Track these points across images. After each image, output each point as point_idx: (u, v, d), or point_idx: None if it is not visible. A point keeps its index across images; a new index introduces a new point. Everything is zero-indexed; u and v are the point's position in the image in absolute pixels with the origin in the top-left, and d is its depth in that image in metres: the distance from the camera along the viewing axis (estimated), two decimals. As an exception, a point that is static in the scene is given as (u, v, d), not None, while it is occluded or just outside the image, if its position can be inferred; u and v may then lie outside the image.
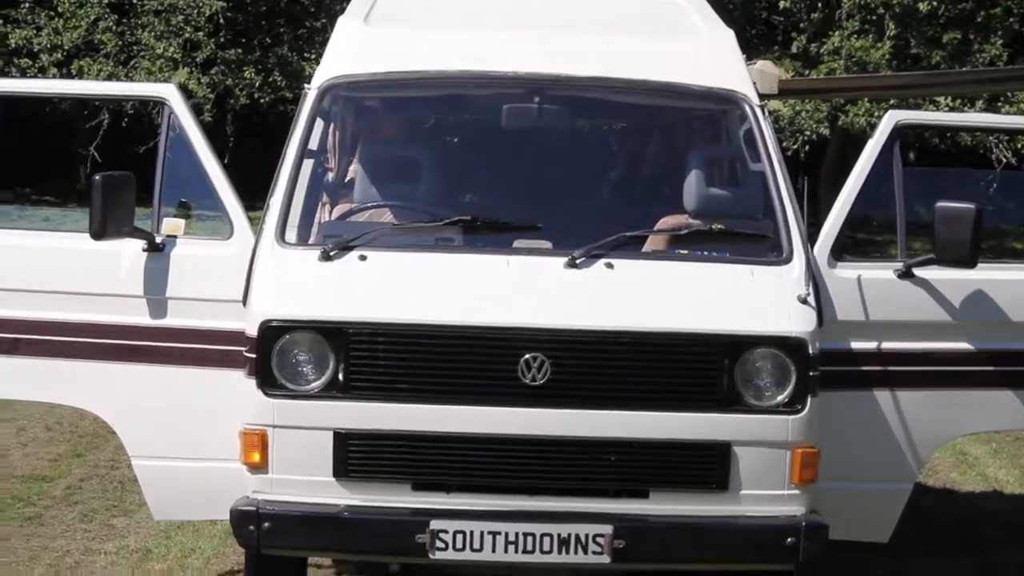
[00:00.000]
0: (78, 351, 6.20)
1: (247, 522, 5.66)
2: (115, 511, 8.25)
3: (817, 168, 22.76)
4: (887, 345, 6.23)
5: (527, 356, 5.55)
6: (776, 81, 7.20)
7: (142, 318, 6.15)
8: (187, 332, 6.13)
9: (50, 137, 24.51)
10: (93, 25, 22.63)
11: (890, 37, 19.96)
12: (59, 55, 22.60)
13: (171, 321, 6.14)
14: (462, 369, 5.62)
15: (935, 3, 19.45)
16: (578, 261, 5.76)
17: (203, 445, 6.08)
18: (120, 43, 22.72)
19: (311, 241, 6.04)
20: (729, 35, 6.84)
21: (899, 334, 6.23)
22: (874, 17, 20.22)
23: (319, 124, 6.50)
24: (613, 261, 5.81)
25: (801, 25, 22.09)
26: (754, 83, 6.68)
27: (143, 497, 6.33)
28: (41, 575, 7.18)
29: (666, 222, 6.28)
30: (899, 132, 6.24)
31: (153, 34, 22.49)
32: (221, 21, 22.83)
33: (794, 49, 21.74)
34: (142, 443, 6.25)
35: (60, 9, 22.79)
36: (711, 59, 6.70)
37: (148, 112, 20.09)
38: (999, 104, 18.47)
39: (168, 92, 6.28)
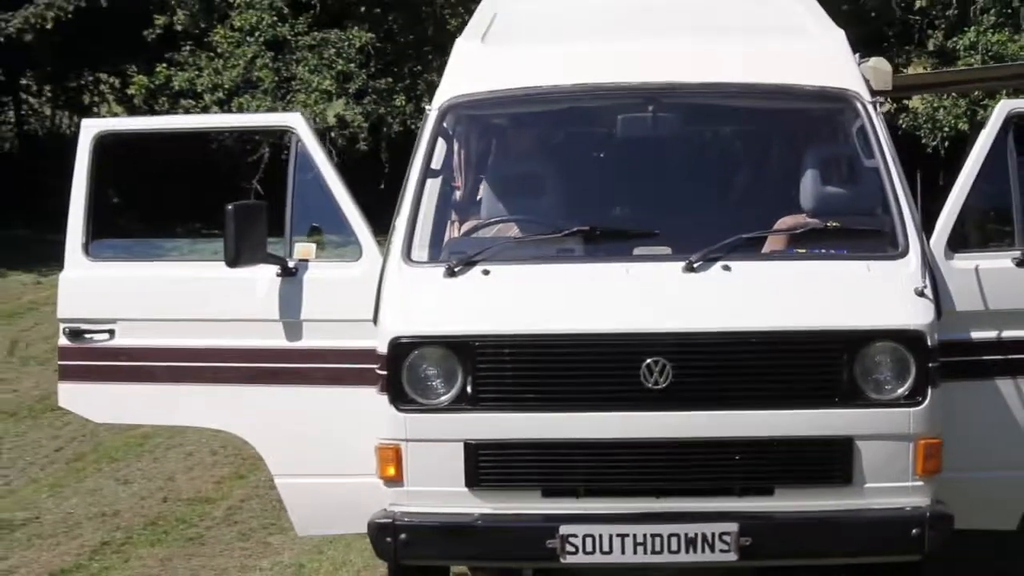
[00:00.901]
0: (219, 375, 6.38)
1: (385, 534, 5.78)
2: (272, 529, 8.43)
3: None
4: (1008, 333, 6.13)
5: (648, 360, 5.59)
6: (890, 77, 7.13)
7: (279, 341, 6.31)
8: (322, 352, 6.25)
9: (218, 173, 25.13)
10: (251, 63, 23.14)
11: None
12: (220, 94, 23.18)
13: (306, 343, 6.28)
14: (586, 376, 5.68)
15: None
16: (695, 265, 5.79)
17: (342, 461, 6.18)
18: (277, 79, 23.23)
19: (437, 258, 6.15)
20: (839, 34, 6.81)
21: (1020, 322, 6.14)
22: (1010, 10, 19.87)
23: (442, 144, 6.57)
24: (731, 263, 5.82)
25: (937, 22, 21.73)
26: (867, 80, 6.65)
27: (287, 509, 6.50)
28: (200, 593, 7.41)
29: (784, 222, 6.29)
30: (1011, 121, 6.17)
31: (307, 68, 22.96)
32: (371, 52, 23.28)
33: (930, 47, 21.42)
34: (283, 462, 6.41)
35: (219, 50, 23.36)
36: (821, 58, 6.68)
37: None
38: None
39: (295, 121, 6.41)
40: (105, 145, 6.50)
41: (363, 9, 23.75)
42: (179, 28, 23.59)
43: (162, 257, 7.28)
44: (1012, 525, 6.33)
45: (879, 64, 7.03)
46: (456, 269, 5.88)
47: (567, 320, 5.72)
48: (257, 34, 23.15)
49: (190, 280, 6.46)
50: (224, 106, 23.23)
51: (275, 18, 23.12)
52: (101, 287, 6.45)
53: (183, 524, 8.65)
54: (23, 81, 27.83)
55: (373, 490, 5.90)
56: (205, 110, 23.11)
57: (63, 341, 6.52)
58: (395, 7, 24.08)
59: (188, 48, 23.77)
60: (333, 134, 22.22)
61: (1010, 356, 6.16)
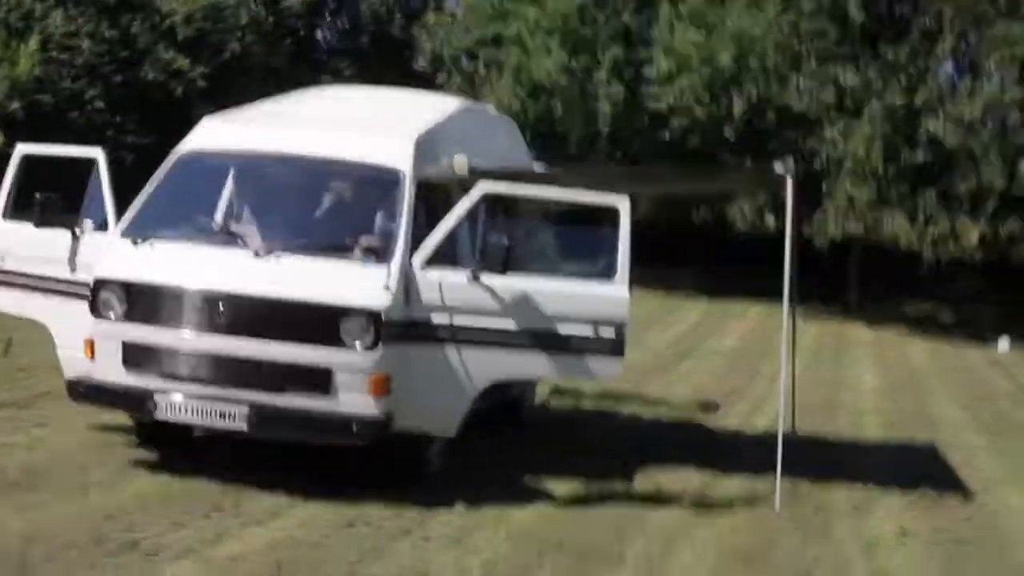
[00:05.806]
0: (41, 289, 10.07)
1: (74, 386, 9.33)
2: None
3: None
4: (457, 320, 9.15)
5: (218, 305, 8.89)
6: (465, 168, 10.02)
7: (68, 273, 9.87)
8: (83, 283, 9.56)
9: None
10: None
11: None
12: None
13: (79, 276, 9.72)
14: (184, 310, 9.02)
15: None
16: (259, 254, 9.07)
17: (80, 343, 9.52)
18: None
19: (132, 235, 9.42)
20: (413, 135, 9.86)
21: (465, 313, 9.14)
22: None
23: (174, 175, 9.91)
24: (283, 256, 9.07)
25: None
26: (452, 168, 9.84)
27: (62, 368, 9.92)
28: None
29: (365, 238, 9.39)
30: (484, 197, 9.27)
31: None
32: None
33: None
34: (61, 339, 9.95)
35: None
36: (393, 150, 9.73)
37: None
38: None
39: (97, 153, 10.00)
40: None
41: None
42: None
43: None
44: (452, 433, 9.36)
45: (458, 159, 9.98)
46: (137, 242, 9.34)
47: (178, 278, 9.10)
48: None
49: (31, 235, 9.98)
50: None
51: None
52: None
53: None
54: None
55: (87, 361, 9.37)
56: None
57: None
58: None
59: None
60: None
61: (456, 333, 9.19)
